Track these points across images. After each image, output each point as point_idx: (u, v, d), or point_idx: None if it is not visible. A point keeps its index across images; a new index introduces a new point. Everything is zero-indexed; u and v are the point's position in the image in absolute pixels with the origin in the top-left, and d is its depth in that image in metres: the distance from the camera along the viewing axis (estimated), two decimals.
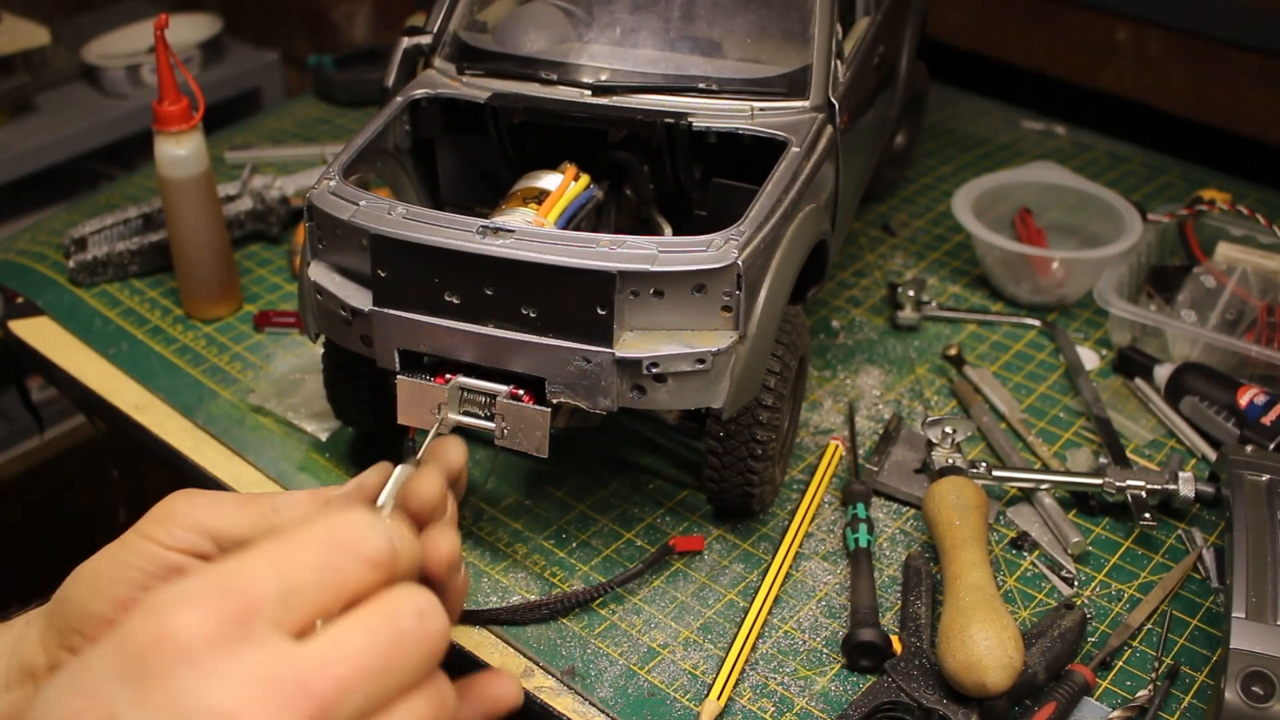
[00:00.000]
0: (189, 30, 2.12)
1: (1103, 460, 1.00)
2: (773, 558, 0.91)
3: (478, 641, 0.86)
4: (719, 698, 0.80)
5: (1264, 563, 0.81)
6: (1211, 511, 0.96)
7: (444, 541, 0.55)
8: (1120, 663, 0.84)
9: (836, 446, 1.02)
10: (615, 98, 0.93)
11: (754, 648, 0.85)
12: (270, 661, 0.42)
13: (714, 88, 0.93)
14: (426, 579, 0.55)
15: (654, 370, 0.79)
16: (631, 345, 0.79)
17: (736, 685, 0.82)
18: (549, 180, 0.91)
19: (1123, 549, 0.93)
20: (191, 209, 1.12)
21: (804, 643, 0.86)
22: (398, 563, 0.47)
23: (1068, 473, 0.97)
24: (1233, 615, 0.77)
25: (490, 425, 0.81)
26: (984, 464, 0.95)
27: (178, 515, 0.57)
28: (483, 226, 0.80)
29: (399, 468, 0.60)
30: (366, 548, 0.46)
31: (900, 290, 1.19)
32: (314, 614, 0.44)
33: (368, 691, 0.44)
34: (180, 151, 1.09)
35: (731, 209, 0.86)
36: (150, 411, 1.08)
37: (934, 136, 1.54)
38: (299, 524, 0.47)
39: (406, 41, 1.00)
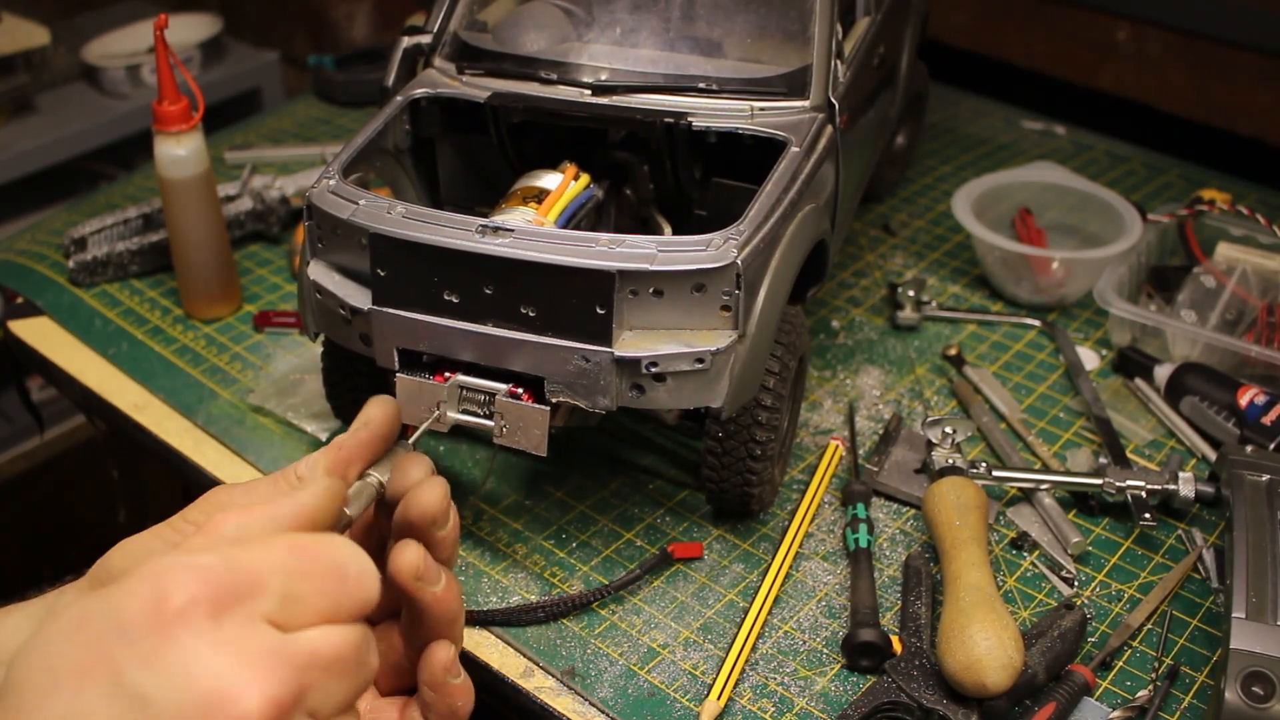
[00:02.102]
0: (189, 30, 2.12)
1: (1103, 460, 1.00)
2: (773, 558, 0.91)
3: (478, 642, 0.86)
4: (719, 698, 0.80)
5: (1264, 563, 0.81)
6: (1211, 511, 0.96)
7: (405, 554, 0.59)
8: (1120, 663, 0.84)
9: (836, 446, 1.02)
10: (615, 97, 0.93)
11: (754, 648, 0.85)
12: (264, 639, 0.45)
13: (714, 87, 0.93)
14: (400, 591, 0.59)
15: (653, 369, 0.79)
16: (630, 344, 0.79)
17: (736, 685, 0.82)
18: (549, 180, 0.91)
19: (1123, 549, 0.93)
20: (191, 209, 1.12)
21: (804, 643, 0.85)
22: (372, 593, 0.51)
23: (1068, 473, 0.97)
24: (1233, 615, 0.77)
25: (489, 424, 0.81)
26: (984, 464, 0.95)
27: (218, 501, 0.59)
28: (482, 226, 0.80)
29: (395, 448, 0.62)
30: (363, 592, 0.50)
31: (900, 290, 1.19)
32: (300, 623, 0.48)
33: (332, 689, 0.48)
34: (180, 151, 1.09)
35: (731, 209, 0.86)
36: (150, 411, 1.08)
37: (934, 136, 1.53)
38: (317, 534, 0.51)
39: (406, 41, 1.00)
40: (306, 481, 0.57)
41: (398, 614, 0.64)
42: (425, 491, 0.60)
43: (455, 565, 0.65)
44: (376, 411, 0.63)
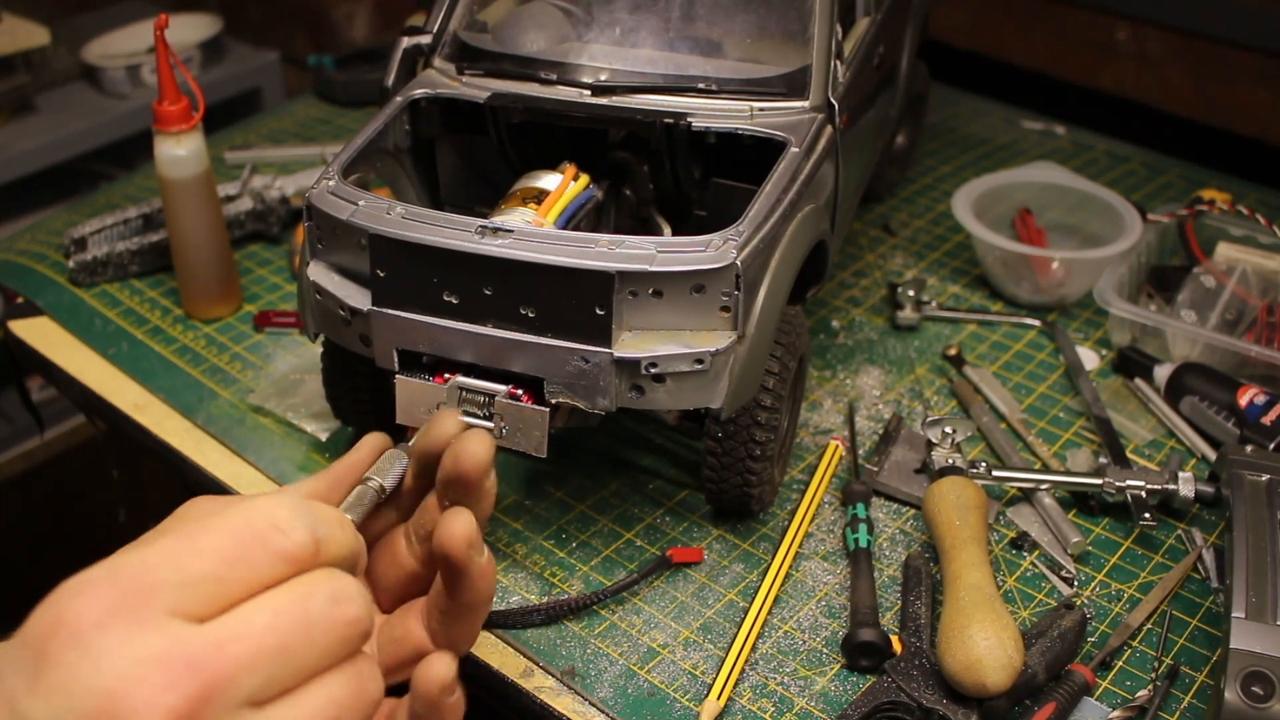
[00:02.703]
0: (189, 30, 2.12)
1: (1103, 460, 1.00)
2: (772, 558, 0.91)
3: (478, 641, 0.86)
4: (719, 698, 0.80)
5: (1264, 563, 0.81)
6: (1211, 511, 0.96)
7: (458, 522, 0.55)
8: (1120, 663, 0.84)
9: (836, 446, 1.02)
10: (615, 98, 0.93)
11: (754, 648, 0.85)
12: (159, 642, 0.42)
13: (713, 88, 0.93)
14: (446, 560, 0.55)
15: (652, 370, 0.79)
16: (630, 345, 0.79)
17: (736, 685, 0.82)
18: (548, 180, 0.91)
19: (1123, 549, 0.93)
20: (191, 209, 1.12)
21: (804, 643, 0.85)
22: (320, 555, 0.47)
23: (1068, 473, 0.97)
24: (1233, 615, 0.77)
25: (489, 425, 0.81)
26: (984, 464, 0.95)
27: (196, 505, 0.57)
28: (481, 226, 0.80)
29: (389, 451, 0.62)
30: (278, 540, 0.46)
31: (900, 290, 1.19)
32: (218, 602, 0.44)
33: (269, 672, 0.44)
34: (180, 151, 1.09)
35: (731, 209, 0.86)
36: (150, 411, 1.08)
37: (934, 136, 1.53)
38: (220, 511, 0.47)
39: (406, 41, 1.00)
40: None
41: (406, 599, 0.62)
42: (471, 440, 0.57)
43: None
44: (371, 440, 0.62)
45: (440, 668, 0.53)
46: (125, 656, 0.41)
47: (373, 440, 0.63)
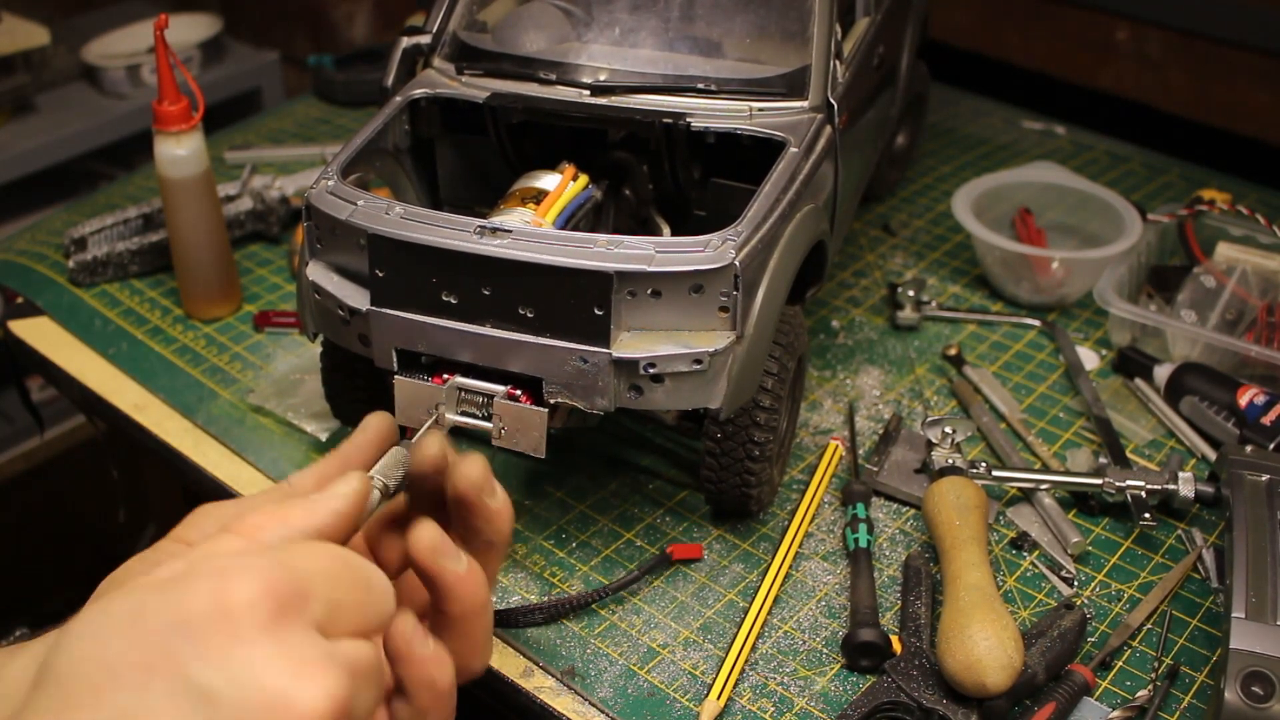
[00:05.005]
0: (189, 30, 2.12)
1: (1103, 460, 1.00)
2: (772, 558, 0.91)
3: None
4: (719, 698, 0.80)
5: (1264, 563, 0.81)
6: (1211, 511, 0.96)
7: (423, 531, 0.57)
8: (1120, 663, 0.84)
9: (836, 446, 1.02)
10: (614, 98, 0.93)
11: (754, 648, 0.85)
12: (318, 646, 0.45)
13: (713, 88, 0.93)
14: (419, 569, 0.57)
15: (651, 370, 0.79)
16: (629, 345, 0.79)
17: (736, 685, 0.82)
18: (547, 180, 0.91)
19: (1123, 549, 0.93)
20: (191, 209, 1.12)
21: (804, 643, 0.85)
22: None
23: (1068, 473, 0.97)
24: (1233, 615, 0.77)
25: (488, 425, 0.81)
26: (984, 464, 0.95)
27: (207, 512, 0.59)
28: (480, 226, 0.80)
29: (393, 449, 0.62)
30: (387, 608, 0.51)
31: (900, 290, 1.19)
32: (340, 633, 0.48)
33: (368, 692, 0.48)
34: (180, 151, 1.09)
35: (730, 209, 0.86)
36: (150, 411, 1.08)
37: (934, 136, 1.53)
38: (362, 559, 0.51)
39: (406, 41, 1.00)
40: (337, 483, 0.56)
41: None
42: (466, 464, 0.60)
43: (509, 545, 0.64)
44: (375, 420, 0.64)
45: (403, 623, 0.54)
46: (298, 652, 0.44)
47: (376, 421, 0.64)
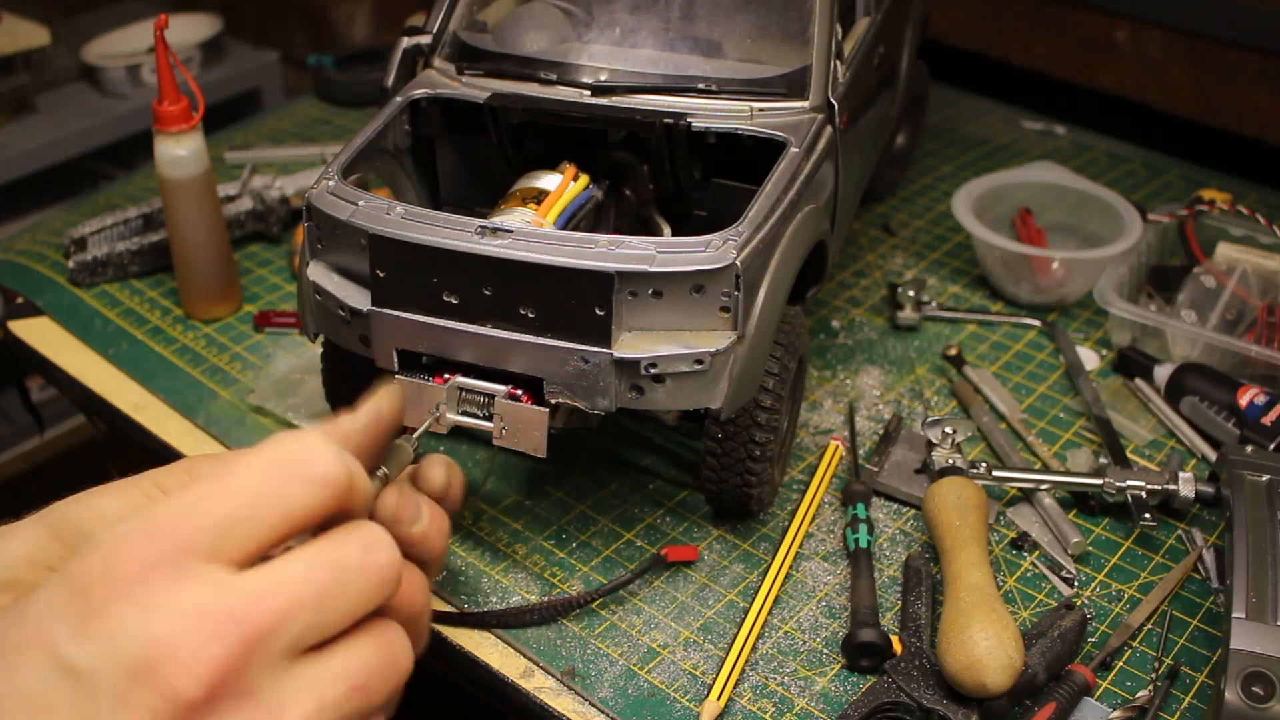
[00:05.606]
0: (189, 30, 2.12)
1: (1103, 460, 1.00)
2: (773, 558, 0.91)
3: (477, 642, 0.86)
4: (719, 698, 0.80)
5: (1264, 563, 0.81)
6: (1211, 511, 0.96)
7: (435, 466, 0.59)
8: (1120, 663, 0.84)
9: (836, 446, 1.02)
10: (614, 98, 0.93)
11: (754, 648, 0.85)
12: (203, 593, 0.43)
13: (713, 88, 0.93)
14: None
15: (652, 371, 0.79)
16: (629, 346, 0.79)
17: (736, 685, 0.82)
18: (548, 180, 0.91)
19: (1123, 549, 0.93)
20: (191, 209, 1.12)
21: (804, 643, 0.85)
22: (354, 484, 0.48)
23: (1068, 473, 0.97)
24: (1233, 615, 0.77)
25: (489, 425, 0.81)
26: (984, 464, 0.95)
27: (190, 464, 0.58)
28: (481, 226, 0.80)
29: (395, 442, 0.62)
30: (314, 466, 0.46)
31: (900, 290, 1.19)
32: (256, 543, 0.45)
33: (306, 622, 0.45)
34: (180, 151, 1.09)
35: (731, 209, 0.86)
36: (150, 411, 1.08)
37: (934, 136, 1.53)
38: (252, 450, 0.47)
39: (406, 41, 1.00)
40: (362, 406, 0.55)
41: None
42: (425, 465, 0.62)
43: (444, 559, 0.65)
44: (387, 405, 0.59)
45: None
46: (171, 609, 0.42)
47: (390, 392, 0.59)
